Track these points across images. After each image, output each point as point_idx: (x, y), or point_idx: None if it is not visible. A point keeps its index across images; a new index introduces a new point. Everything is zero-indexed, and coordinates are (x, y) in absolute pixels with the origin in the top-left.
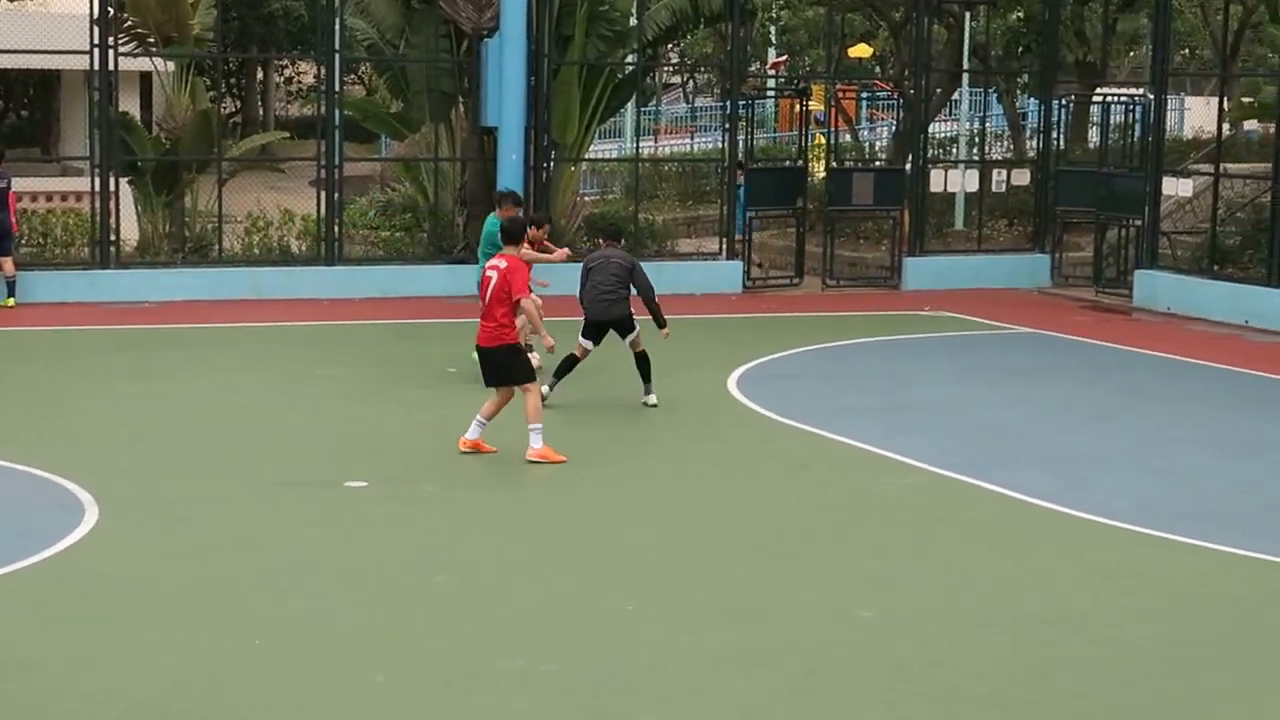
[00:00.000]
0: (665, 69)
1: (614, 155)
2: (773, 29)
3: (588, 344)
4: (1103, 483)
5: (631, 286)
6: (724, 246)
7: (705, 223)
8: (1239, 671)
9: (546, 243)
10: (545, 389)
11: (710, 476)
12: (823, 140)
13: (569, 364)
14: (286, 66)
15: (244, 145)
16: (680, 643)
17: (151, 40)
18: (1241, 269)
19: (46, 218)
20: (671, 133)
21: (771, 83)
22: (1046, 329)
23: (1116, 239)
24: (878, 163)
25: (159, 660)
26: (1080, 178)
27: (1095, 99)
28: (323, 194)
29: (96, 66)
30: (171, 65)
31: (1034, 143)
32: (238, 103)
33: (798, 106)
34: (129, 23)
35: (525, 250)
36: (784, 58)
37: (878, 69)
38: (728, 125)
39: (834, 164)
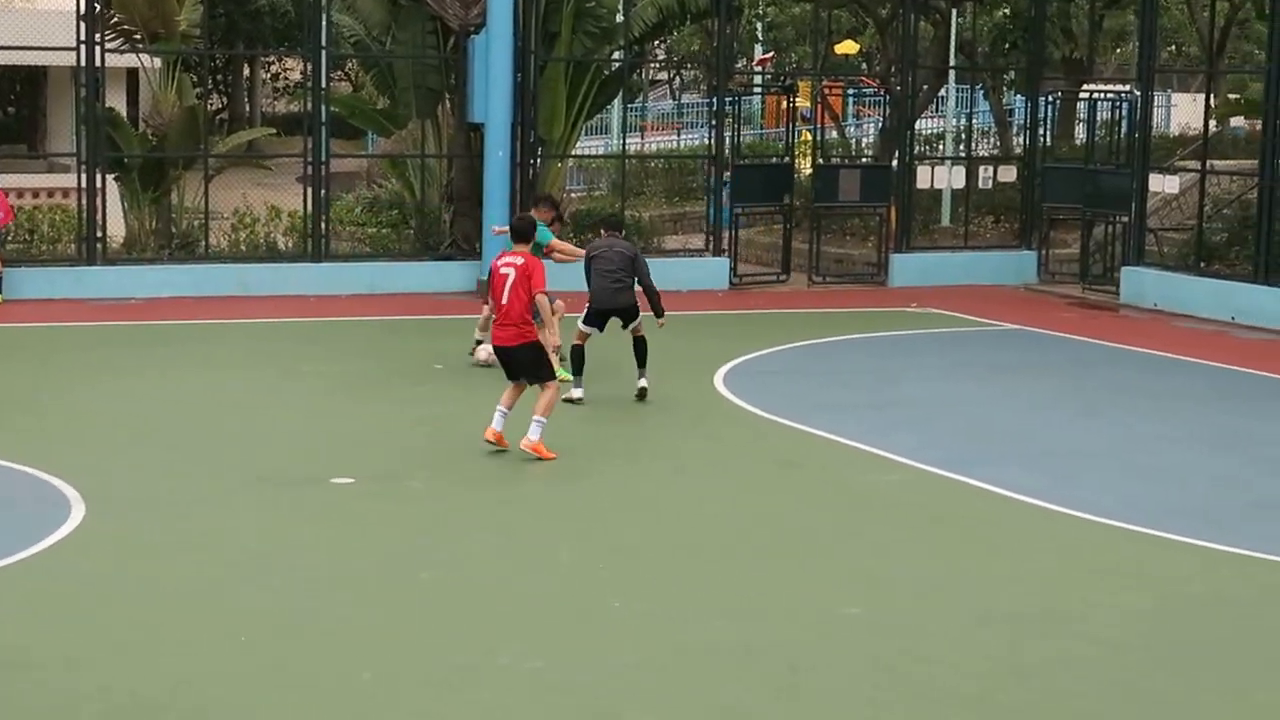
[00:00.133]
0: (652, 65)
1: (600, 152)
2: (759, 25)
3: (589, 329)
4: (1089, 479)
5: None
6: (710, 243)
7: (692, 219)
8: (1227, 668)
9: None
10: (578, 393)
11: (698, 474)
12: (809, 137)
13: (579, 356)
14: (273, 63)
15: (230, 142)
16: (667, 639)
17: (138, 36)
18: (1228, 265)
19: (33, 214)
20: (658, 129)
21: (758, 79)
22: (1033, 326)
23: (1103, 236)
24: (864, 159)
25: (144, 657)
26: (1067, 174)
27: (1082, 95)
28: (309, 190)
29: (83, 63)
30: (158, 62)
31: (1020, 139)
32: (224, 99)
33: (784, 103)
34: (116, 19)
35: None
36: (770, 54)
37: (864, 65)
38: (714, 122)
39: (820, 161)
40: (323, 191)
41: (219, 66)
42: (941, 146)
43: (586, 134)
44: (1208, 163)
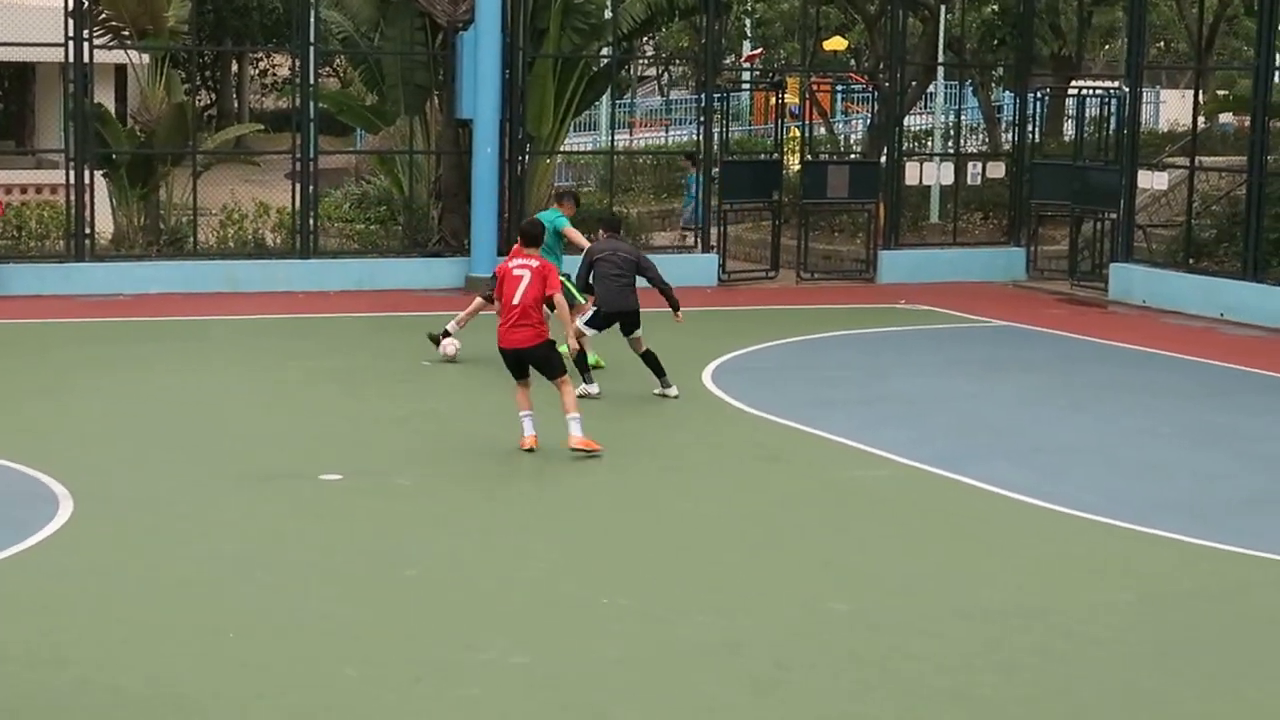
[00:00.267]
0: (640, 62)
1: (589, 148)
2: (748, 22)
3: (592, 331)
4: (1076, 475)
5: (637, 278)
6: (699, 240)
7: (680, 216)
8: (1210, 663)
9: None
10: (594, 389)
11: (686, 470)
12: (798, 133)
13: (584, 357)
14: (261, 59)
15: (219, 138)
16: (652, 635)
17: (126, 33)
18: (1217, 262)
19: (21, 211)
20: (646, 126)
21: (746, 75)
22: (1021, 322)
23: (1092, 232)
24: (853, 156)
25: (128, 652)
26: (1055, 171)
27: (1070, 92)
28: (298, 187)
29: (71, 59)
30: (146, 58)
31: (1009, 136)
32: (212, 95)
33: (773, 99)
34: (104, 15)
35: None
36: (759, 50)
37: (853, 62)
38: (703, 118)
39: (809, 157)
40: (311, 188)
41: (207, 63)
42: (930, 143)
43: (575, 130)
44: (1196, 159)
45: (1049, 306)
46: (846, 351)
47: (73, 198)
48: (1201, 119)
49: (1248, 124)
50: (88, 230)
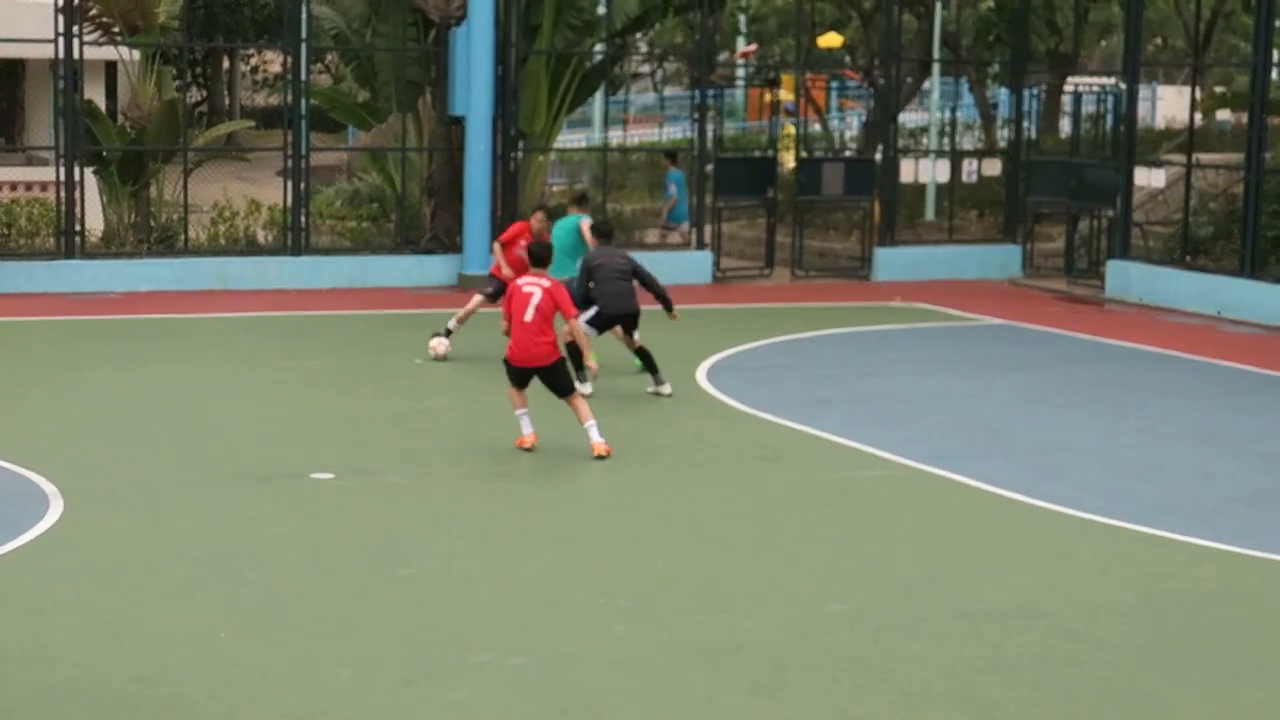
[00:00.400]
0: (634, 58)
1: (582, 145)
2: (742, 18)
3: (592, 331)
4: (1073, 475)
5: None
6: (693, 237)
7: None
8: (1210, 664)
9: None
10: (586, 389)
11: (681, 469)
12: (792, 130)
13: (578, 356)
14: (253, 55)
15: (210, 135)
16: (649, 636)
17: (117, 29)
18: (1214, 260)
19: (11, 208)
20: (640, 122)
21: (741, 72)
22: (1018, 320)
23: (1088, 230)
24: (848, 153)
25: (123, 653)
26: (1052, 168)
27: (1067, 89)
28: (289, 184)
29: (61, 55)
30: (137, 54)
31: (1005, 133)
32: (204, 92)
33: (767, 96)
34: (94, 11)
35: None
36: (753, 47)
37: (848, 58)
38: (696, 115)
39: (804, 154)
40: (303, 185)
41: (198, 59)
42: (925, 140)
43: (568, 127)
44: (1194, 156)
45: (1046, 304)
46: (842, 350)
47: (63, 195)
48: (1199, 116)
49: (1245, 121)
50: (78, 227)
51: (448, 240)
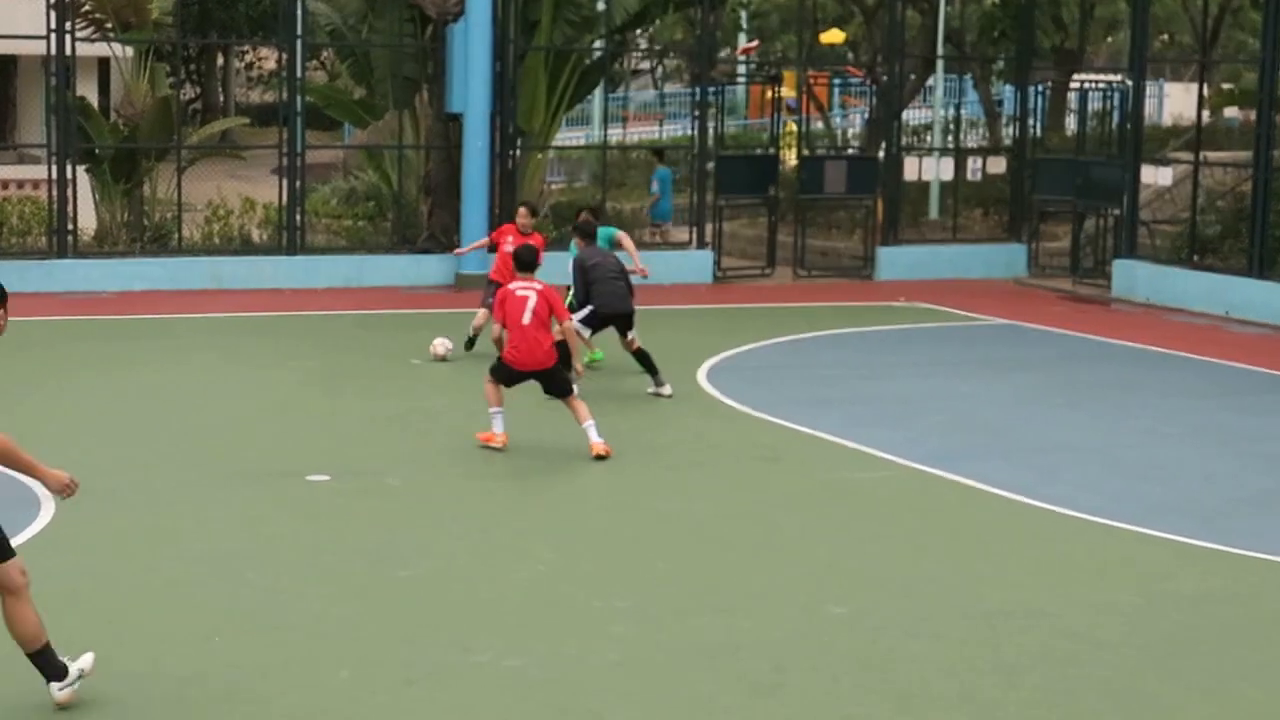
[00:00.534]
0: (633, 55)
1: (581, 142)
2: (743, 14)
3: (587, 331)
4: (1075, 475)
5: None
6: (694, 236)
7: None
8: (1210, 664)
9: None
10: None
11: (681, 470)
12: (794, 127)
13: (567, 358)
14: (247, 52)
15: (204, 132)
16: (649, 637)
17: (109, 25)
18: (1222, 259)
19: (2, 206)
20: (640, 120)
21: (742, 69)
22: (1022, 320)
23: (1094, 228)
24: (850, 150)
25: (118, 655)
26: (1057, 166)
27: (1072, 85)
28: (284, 182)
29: (54, 52)
30: (130, 51)
31: (1010, 130)
32: (198, 89)
33: (769, 93)
34: (87, 7)
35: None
36: (755, 43)
37: (850, 55)
38: (697, 112)
39: (806, 152)
40: (298, 183)
41: (192, 56)
42: (929, 137)
43: (567, 124)
44: (1201, 154)
45: (1051, 304)
46: (844, 350)
47: (55, 193)
48: (1206, 113)
49: (1253, 118)
50: (70, 226)
51: (445, 239)
